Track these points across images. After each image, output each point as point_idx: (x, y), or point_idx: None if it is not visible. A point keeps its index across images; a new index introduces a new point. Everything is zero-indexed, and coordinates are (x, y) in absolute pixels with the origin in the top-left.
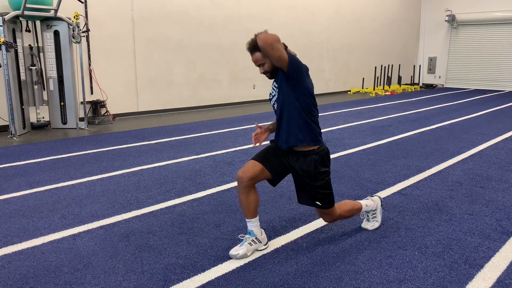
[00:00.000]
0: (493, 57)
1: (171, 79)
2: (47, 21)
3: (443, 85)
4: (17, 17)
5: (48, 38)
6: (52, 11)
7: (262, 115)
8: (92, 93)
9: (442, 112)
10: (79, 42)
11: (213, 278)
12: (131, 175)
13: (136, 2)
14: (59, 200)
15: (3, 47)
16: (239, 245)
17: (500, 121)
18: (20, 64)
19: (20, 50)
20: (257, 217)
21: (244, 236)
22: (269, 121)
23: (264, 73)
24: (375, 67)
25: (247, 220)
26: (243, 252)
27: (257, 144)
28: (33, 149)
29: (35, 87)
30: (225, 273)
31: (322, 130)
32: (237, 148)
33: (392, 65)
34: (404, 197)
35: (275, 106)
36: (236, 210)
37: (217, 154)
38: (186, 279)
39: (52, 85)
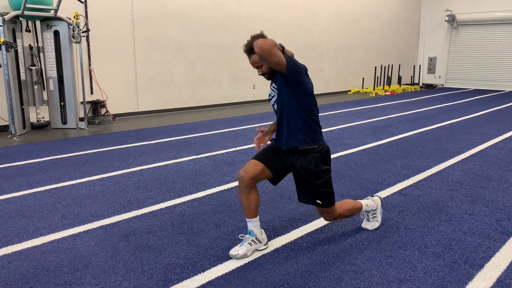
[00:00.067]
0: (493, 57)
1: (171, 79)
2: (47, 21)
3: (443, 85)
4: (17, 17)
5: (48, 38)
6: (52, 11)
7: (262, 115)
8: (92, 93)
9: (442, 112)
10: (79, 42)
11: (213, 278)
12: (131, 175)
13: (136, 2)
14: (59, 200)
15: (3, 47)
16: (239, 245)
17: (500, 121)
18: (20, 64)
19: (20, 50)
20: (258, 217)
21: (244, 236)
22: (269, 121)
23: (262, 74)
24: (375, 67)
25: (247, 220)
26: (243, 252)
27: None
28: (33, 149)
29: (35, 87)
30: (225, 273)
31: (322, 130)
32: (237, 148)
33: (392, 65)
34: (404, 197)
35: (275, 107)
36: (236, 210)
37: (217, 154)
38: (186, 279)
39: (52, 85)
